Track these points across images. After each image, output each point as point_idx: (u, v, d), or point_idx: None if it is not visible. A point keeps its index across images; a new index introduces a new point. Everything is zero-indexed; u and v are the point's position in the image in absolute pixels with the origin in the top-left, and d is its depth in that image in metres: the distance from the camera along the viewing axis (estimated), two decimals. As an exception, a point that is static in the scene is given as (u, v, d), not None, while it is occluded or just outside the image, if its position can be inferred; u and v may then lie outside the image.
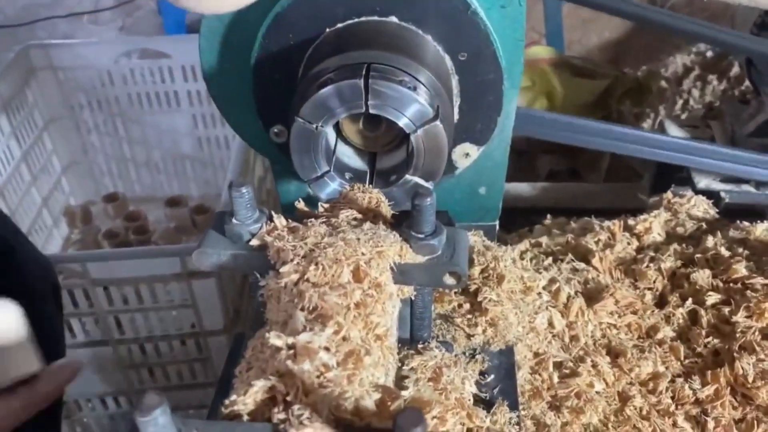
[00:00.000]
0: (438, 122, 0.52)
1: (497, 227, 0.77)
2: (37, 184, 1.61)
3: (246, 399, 0.37)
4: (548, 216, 0.92)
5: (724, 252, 0.75)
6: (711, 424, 0.62)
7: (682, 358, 0.67)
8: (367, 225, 0.45)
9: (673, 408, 0.63)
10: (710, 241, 0.77)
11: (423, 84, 0.54)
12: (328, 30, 0.58)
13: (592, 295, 0.73)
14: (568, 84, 1.44)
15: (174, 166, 1.82)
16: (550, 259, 0.78)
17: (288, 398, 0.37)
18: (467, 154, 0.64)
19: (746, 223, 0.82)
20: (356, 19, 0.57)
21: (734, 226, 0.82)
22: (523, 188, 1.17)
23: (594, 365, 0.67)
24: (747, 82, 1.47)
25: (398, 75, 0.53)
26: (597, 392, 0.64)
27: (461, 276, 0.46)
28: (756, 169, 0.90)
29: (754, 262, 0.74)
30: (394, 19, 0.58)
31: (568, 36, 2.22)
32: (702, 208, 0.89)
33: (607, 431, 0.62)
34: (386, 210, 0.50)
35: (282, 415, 0.36)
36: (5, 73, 1.52)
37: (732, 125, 1.05)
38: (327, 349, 0.38)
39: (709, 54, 2.04)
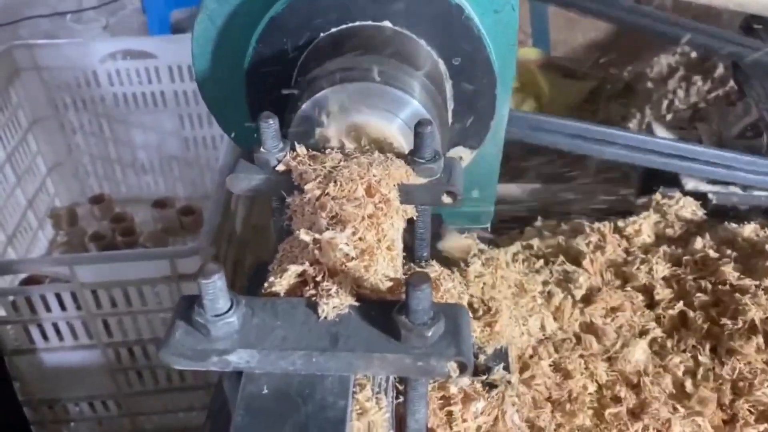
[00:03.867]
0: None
1: (489, 229, 0.77)
2: (21, 186, 1.59)
3: (282, 281, 0.44)
4: (539, 218, 0.92)
5: (713, 254, 0.76)
6: (701, 422, 0.62)
7: (671, 357, 0.68)
8: (377, 153, 0.52)
9: (664, 409, 0.64)
10: (698, 242, 0.78)
11: (417, 88, 0.55)
12: (322, 35, 0.58)
13: (584, 298, 0.73)
14: (555, 85, 1.45)
15: (160, 166, 1.80)
16: (542, 261, 0.78)
17: (317, 279, 0.44)
18: (461, 158, 0.65)
19: (734, 225, 0.83)
20: (350, 24, 0.57)
21: (722, 228, 0.83)
22: (512, 189, 1.18)
23: (587, 366, 0.68)
24: (731, 83, 1.48)
25: (393, 79, 0.53)
26: (590, 393, 0.65)
27: (456, 194, 0.52)
28: (742, 173, 0.91)
29: (741, 263, 0.75)
30: (388, 24, 0.58)
31: (554, 36, 2.23)
32: (690, 209, 0.90)
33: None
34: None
35: (312, 292, 0.43)
36: (-12, 74, 1.50)
37: (719, 127, 1.06)
38: (347, 244, 0.44)
39: (694, 54, 2.05)
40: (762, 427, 0.63)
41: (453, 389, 0.60)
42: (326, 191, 0.48)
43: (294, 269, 0.44)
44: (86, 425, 1.32)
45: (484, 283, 0.64)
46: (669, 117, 1.35)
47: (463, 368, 0.40)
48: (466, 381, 0.61)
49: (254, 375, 0.41)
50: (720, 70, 1.91)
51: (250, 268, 0.68)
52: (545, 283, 0.73)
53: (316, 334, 0.42)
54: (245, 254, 1.41)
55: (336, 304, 0.42)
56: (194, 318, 0.41)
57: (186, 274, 1.11)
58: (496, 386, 0.61)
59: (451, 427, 0.59)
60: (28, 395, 1.23)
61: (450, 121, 0.62)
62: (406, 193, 0.51)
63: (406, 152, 0.54)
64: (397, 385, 0.53)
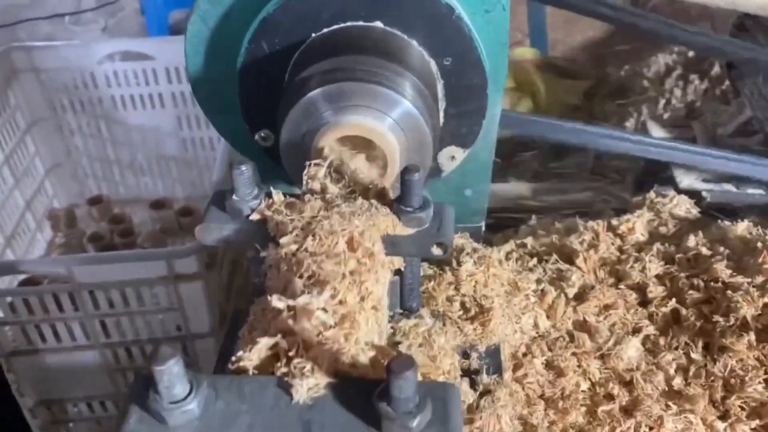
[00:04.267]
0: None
1: (483, 229, 0.78)
2: (20, 187, 1.60)
3: (251, 355, 0.41)
4: (533, 217, 0.92)
5: (705, 251, 0.77)
6: (693, 419, 0.63)
7: (664, 355, 0.68)
8: (360, 201, 0.48)
9: (656, 406, 0.64)
10: (692, 240, 0.79)
11: (408, 88, 0.55)
12: (314, 35, 0.58)
13: (577, 296, 0.74)
14: (551, 85, 1.46)
15: (158, 167, 1.81)
16: (535, 259, 0.78)
17: (290, 353, 0.40)
18: (453, 157, 0.65)
19: (727, 222, 0.83)
20: (342, 25, 0.58)
21: (715, 226, 0.84)
22: (507, 188, 1.18)
23: (579, 364, 0.68)
24: (728, 82, 1.49)
25: (384, 79, 0.54)
26: (583, 391, 0.65)
27: (447, 246, 0.49)
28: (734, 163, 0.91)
29: (734, 261, 0.75)
30: (379, 24, 0.58)
31: (552, 35, 2.24)
32: (684, 207, 0.90)
33: (592, 429, 0.62)
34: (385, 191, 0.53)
35: (285, 369, 0.40)
36: (-13, 76, 1.50)
37: (713, 125, 1.07)
38: (324, 310, 0.41)
39: (691, 54, 2.06)
40: (754, 423, 0.63)
41: None
42: (304, 246, 0.45)
43: (265, 342, 0.41)
44: (85, 425, 1.32)
45: (476, 282, 0.64)
46: (665, 115, 1.35)
47: None
48: (465, 387, 0.60)
49: None
50: (717, 68, 1.91)
51: (247, 269, 0.68)
52: (538, 281, 0.73)
53: (287, 422, 0.38)
54: (243, 254, 1.41)
55: (311, 384, 0.39)
56: (150, 404, 0.38)
57: (183, 275, 1.12)
58: (489, 392, 0.60)
59: None
60: (27, 397, 1.23)
61: (441, 120, 0.62)
62: (393, 245, 0.48)
63: (396, 153, 0.54)
64: None
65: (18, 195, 1.60)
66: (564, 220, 0.88)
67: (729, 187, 0.97)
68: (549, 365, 0.67)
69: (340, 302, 0.42)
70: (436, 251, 0.49)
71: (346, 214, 0.46)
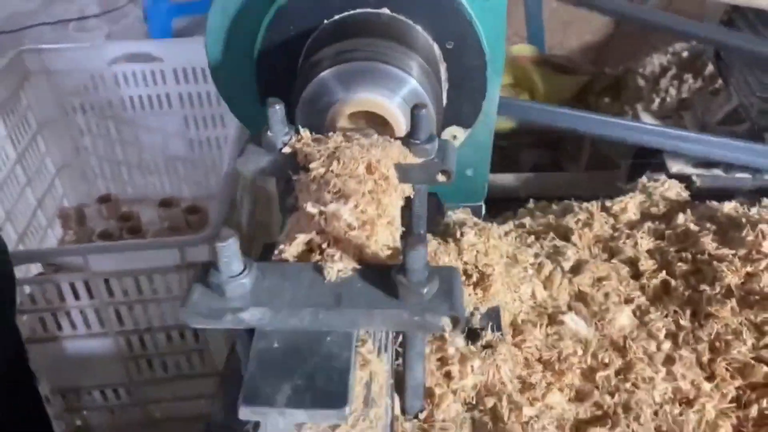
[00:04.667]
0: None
1: (483, 209, 0.82)
2: (31, 186, 1.64)
3: (291, 249, 0.48)
4: (531, 201, 0.97)
5: (693, 227, 0.81)
6: (682, 381, 0.67)
7: (655, 322, 0.72)
8: (375, 135, 0.56)
9: (648, 369, 0.69)
10: (680, 218, 0.83)
11: (415, 68, 0.60)
12: (325, 22, 0.63)
13: (573, 269, 0.78)
14: (548, 80, 1.50)
15: (166, 167, 1.85)
16: (533, 237, 0.83)
17: (323, 246, 0.48)
18: (455, 137, 0.69)
19: (715, 202, 0.88)
20: (352, 11, 0.63)
21: (704, 206, 0.88)
22: (508, 178, 1.23)
23: (574, 336, 0.72)
24: (721, 80, 1.53)
25: (392, 59, 0.58)
26: (579, 355, 0.70)
27: (450, 173, 0.56)
28: (726, 153, 0.96)
29: (720, 235, 0.80)
30: (386, 10, 0.63)
31: (549, 39, 2.28)
32: (675, 191, 0.94)
33: (587, 389, 0.67)
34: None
35: (318, 257, 0.47)
36: (0, 77, 1.55)
37: (702, 115, 1.11)
38: (350, 215, 0.48)
39: (685, 54, 2.11)
40: (737, 382, 0.67)
41: (450, 350, 0.65)
42: (330, 169, 0.51)
43: (302, 238, 0.48)
44: (98, 413, 1.36)
45: (477, 251, 0.69)
46: (656, 107, 1.40)
47: (455, 322, 0.44)
48: (461, 342, 0.66)
49: (265, 332, 0.45)
50: (710, 68, 1.96)
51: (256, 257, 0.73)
52: (536, 255, 0.77)
53: (322, 294, 0.45)
54: (250, 249, 1.46)
55: (340, 267, 0.46)
56: (210, 280, 0.44)
57: (195, 263, 1.16)
58: (490, 347, 0.66)
59: (449, 385, 0.63)
60: (42, 385, 1.27)
61: (444, 101, 0.67)
62: (404, 172, 0.55)
63: (404, 129, 0.59)
64: (397, 348, 0.57)
65: (30, 194, 1.64)
66: (560, 202, 0.93)
67: (718, 171, 1.02)
68: (546, 332, 0.71)
69: (362, 212, 0.49)
70: (441, 178, 0.56)
71: (365, 145, 0.53)
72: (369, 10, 0.62)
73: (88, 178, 1.84)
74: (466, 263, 0.68)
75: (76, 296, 1.19)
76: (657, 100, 1.95)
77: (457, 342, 0.65)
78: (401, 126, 0.59)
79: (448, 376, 0.64)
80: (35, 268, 1.30)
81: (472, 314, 0.66)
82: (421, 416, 0.60)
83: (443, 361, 0.64)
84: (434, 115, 0.62)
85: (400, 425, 0.58)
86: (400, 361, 0.56)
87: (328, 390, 0.42)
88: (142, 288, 1.19)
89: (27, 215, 1.60)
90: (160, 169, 1.86)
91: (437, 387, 0.62)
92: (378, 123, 0.59)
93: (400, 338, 0.56)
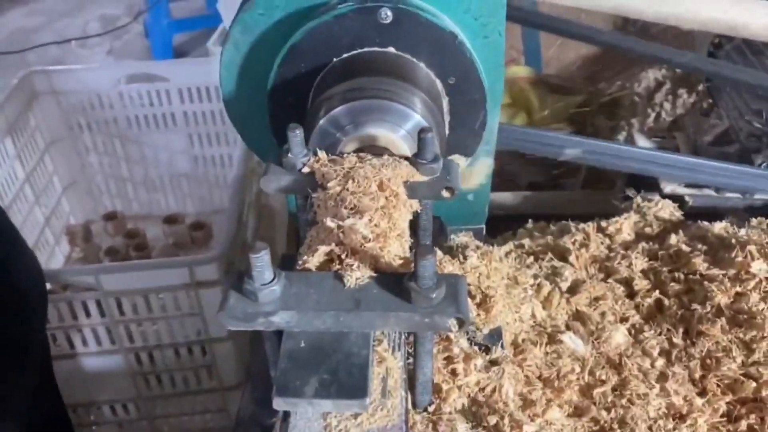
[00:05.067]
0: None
1: (484, 230, 0.86)
2: (39, 204, 1.68)
3: (313, 259, 0.54)
4: (530, 221, 1.01)
5: (685, 248, 0.85)
6: (675, 397, 0.70)
7: (649, 340, 0.76)
8: (386, 156, 0.61)
9: (642, 386, 0.72)
10: (673, 238, 0.87)
11: (418, 103, 0.63)
12: (335, 59, 0.67)
13: (570, 289, 0.81)
14: (545, 100, 1.54)
15: (171, 184, 1.89)
16: (532, 258, 0.86)
17: (342, 257, 0.53)
18: (457, 165, 0.73)
19: (706, 223, 0.91)
20: (359, 50, 0.66)
21: (696, 226, 0.92)
22: (506, 197, 1.26)
23: (572, 354, 0.75)
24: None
25: (397, 96, 0.62)
26: (577, 372, 0.73)
27: (454, 190, 0.61)
28: (716, 178, 1.00)
29: (711, 255, 0.83)
30: (392, 49, 0.67)
31: (546, 53, 2.33)
32: (668, 210, 0.98)
33: (585, 405, 0.70)
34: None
35: (338, 267, 0.53)
36: (9, 98, 1.59)
37: (694, 135, 1.15)
38: (365, 229, 0.54)
39: (679, 69, 2.15)
40: (728, 398, 0.70)
41: (455, 350, 0.68)
42: (346, 187, 0.57)
43: (323, 249, 0.54)
44: (108, 428, 1.39)
45: (480, 274, 0.72)
46: (651, 126, 1.44)
47: (461, 323, 0.50)
48: (465, 343, 0.69)
49: (293, 333, 0.51)
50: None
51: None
52: (535, 276, 0.81)
53: (343, 299, 0.51)
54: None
55: (358, 276, 0.52)
56: (244, 287, 0.50)
57: (204, 282, 1.19)
58: (496, 363, 0.69)
59: (455, 382, 0.67)
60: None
61: (447, 132, 0.70)
62: (412, 189, 0.60)
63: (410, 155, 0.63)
64: (408, 349, 0.61)
65: (38, 211, 1.68)
66: (557, 223, 0.97)
67: (709, 191, 1.06)
68: (546, 350, 0.74)
69: (376, 225, 0.54)
70: (446, 194, 0.61)
71: (377, 165, 0.59)
72: (376, 49, 0.66)
73: (94, 196, 1.88)
74: (469, 285, 0.71)
75: (88, 314, 1.22)
76: (652, 115, 1.99)
77: (461, 343, 0.69)
78: (407, 154, 0.63)
79: (453, 373, 0.68)
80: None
81: (474, 334, 0.69)
82: (430, 409, 0.64)
83: (449, 359, 0.68)
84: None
85: (411, 417, 0.63)
86: (411, 360, 0.60)
87: (350, 383, 0.48)
88: (152, 306, 1.23)
89: (35, 233, 1.64)
90: (165, 186, 1.89)
91: (444, 383, 0.66)
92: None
93: (411, 338, 0.60)
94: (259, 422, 0.67)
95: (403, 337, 0.59)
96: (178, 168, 1.87)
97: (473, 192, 0.80)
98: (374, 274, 0.52)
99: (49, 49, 3.38)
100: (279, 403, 0.48)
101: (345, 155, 0.60)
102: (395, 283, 0.51)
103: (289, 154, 0.60)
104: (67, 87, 1.71)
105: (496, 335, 0.70)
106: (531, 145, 0.95)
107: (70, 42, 3.46)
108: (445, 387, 0.66)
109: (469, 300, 0.70)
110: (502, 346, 0.69)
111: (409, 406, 0.63)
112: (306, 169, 0.60)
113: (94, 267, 1.34)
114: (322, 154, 0.60)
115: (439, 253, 0.69)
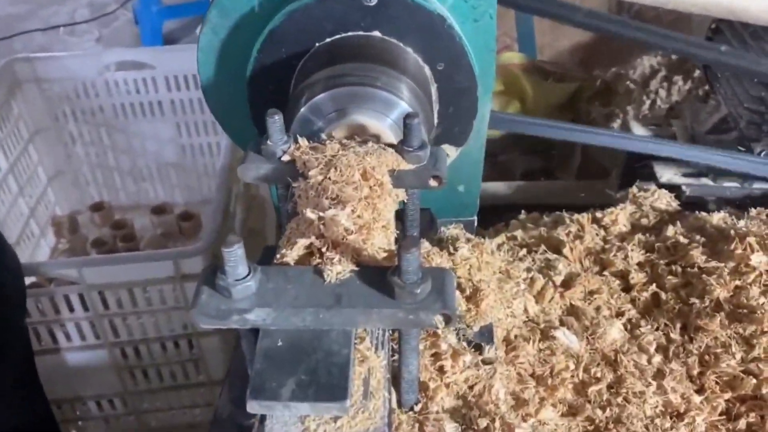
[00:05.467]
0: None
1: (476, 222, 0.83)
2: (23, 195, 1.64)
3: (292, 252, 0.51)
4: (522, 212, 0.98)
5: (683, 240, 0.82)
6: (672, 395, 0.68)
7: (645, 336, 0.73)
8: (370, 143, 0.58)
9: (639, 383, 0.70)
10: (670, 230, 0.84)
11: (405, 91, 0.60)
12: (317, 44, 0.64)
13: (564, 283, 0.79)
14: (538, 87, 1.51)
15: (159, 173, 1.85)
16: (525, 250, 0.84)
17: (322, 250, 0.50)
18: (447, 155, 0.70)
19: (704, 213, 0.89)
20: (343, 35, 0.63)
21: (693, 217, 0.89)
22: (499, 187, 1.24)
23: (566, 351, 0.73)
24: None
25: (383, 83, 0.59)
26: (571, 370, 0.70)
27: (442, 178, 0.58)
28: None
29: (709, 248, 0.81)
30: (377, 33, 0.64)
31: (540, 39, 2.29)
32: (665, 200, 0.95)
33: (579, 404, 0.68)
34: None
35: (318, 261, 0.50)
36: (-9, 87, 1.55)
37: (692, 123, 1.12)
38: (347, 220, 0.51)
39: (675, 55, 2.12)
40: (726, 395, 0.68)
41: (443, 346, 0.66)
42: (327, 176, 0.54)
43: (302, 242, 0.51)
44: (93, 424, 1.36)
45: (471, 266, 0.70)
46: (648, 115, 1.41)
47: (448, 320, 0.47)
48: (453, 339, 0.67)
49: (269, 331, 0.48)
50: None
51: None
52: (528, 269, 0.78)
53: (322, 295, 0.48)
54: (249, 251, 1.46)
55: (339, 270, 0.49)
56: (217, 283, 0.47)
57: (190, 275, 1.16)
58: (487, 363, 0.66)
59: (442, 379, 0.64)
60: (38, 395, 1.27)
61: (436, 121, 0.67)
62: (397, 178, 0.57)
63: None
64: (393, 345, 0.58)
65: (22, 202, 1.64)
66: (551, 214, 0.94)
67: (706, 180, 1.03)
68: (539, 347, 0.72)
69: (359, 216, 0.52)
70: (433, 183, 0.58)
71: (360, 153, 0.56)
72: (360, 33, 0.63)
73: (80, 186, 1.84)
74: (459, 277, 0.69)
75: (71, 308, 1.19)
76: (647, 103, 1.96)
77: (449, 338, 0.67)
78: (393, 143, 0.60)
79: (441, 370, 0.65)
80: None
81: (464, 331, 0.67)
82: (417, 408, 0.62)
83: (437, 356, 0.66)
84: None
85: (397, 417, 0.60)
86: (396, 357, 0.58)
87: (329, 384, 0.45)
88: (137, 299, 1.20)
89: (20, 225, 1.60)
90: (153, 176, 1.86)
91: (431, 381, 0.64)
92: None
93: (396, 334, 0.57)
94: (236, 422, 0.64)
95: (387, 334, 0.56)
96: (166, 157, 1.83)
97: (464, 183, 0.77)
98: (356, 268, 0.49)
99: (37, 36, 3.32)
100: (253, 406, 0.45)
101: (327, 142, 0.57)
102: (378, 277, 0.49)
103: (269, 141, 0.57)
104: (51, 75, 1.67)
105: (487, 333, 0.67)
106: (526, 128, 0.92)
107: (58, 29, 3.40)
108: (432, 385, 0.63)
109: (459, 293, 0.68)
110: (495, 349, 0.66)
111: (394, 405, 0.60)
112: (286, 157, 0.57)
113: (76, 260, 1.30)
114: (303, 141, 0.57)
115: (427, 244, 0.66)
